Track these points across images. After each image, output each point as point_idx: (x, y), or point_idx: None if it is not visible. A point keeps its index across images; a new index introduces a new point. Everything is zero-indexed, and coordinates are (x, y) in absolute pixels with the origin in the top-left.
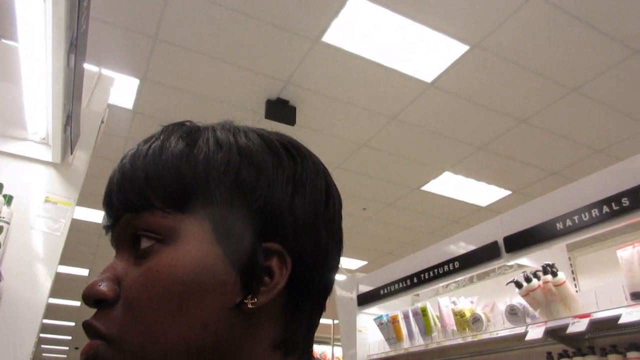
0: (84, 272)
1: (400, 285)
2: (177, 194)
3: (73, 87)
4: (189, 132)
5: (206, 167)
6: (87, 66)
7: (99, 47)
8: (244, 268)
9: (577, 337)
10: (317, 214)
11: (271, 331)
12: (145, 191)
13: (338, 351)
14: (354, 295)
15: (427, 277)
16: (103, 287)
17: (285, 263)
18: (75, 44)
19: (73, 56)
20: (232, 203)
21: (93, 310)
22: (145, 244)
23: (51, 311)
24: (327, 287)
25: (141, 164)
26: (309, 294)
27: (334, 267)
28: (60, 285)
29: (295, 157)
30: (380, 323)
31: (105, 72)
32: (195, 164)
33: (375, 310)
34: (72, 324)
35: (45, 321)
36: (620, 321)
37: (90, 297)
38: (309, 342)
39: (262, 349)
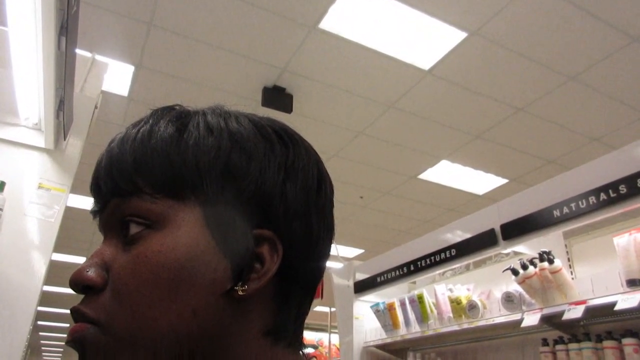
0: (81, 260)
1: (397, 272)
2: (166, 179)
3: (65, 71)
4: (179, 117)
5: (196, 153)
6: (81, 52)
7: (93, 33)
8: (234, 255)
9: (572, 323)
10: (309, 201)
11: (261, 318)
12: (134, 176)
13: (335, 338)
14: (351, 283)
15: (424, 264)
16: (91, 273)
17: (276, 250)
18: (66, 26)
19: (64, 39)
20: (222, 189)
21: None
22: (134, 229)
23: (49, 299)
24: (317, 274)
25: (129, 148)
26: (299, 281)
27: (325, 254)
28: (58, 273)
29: (288, 143)
30: (377, 310)
31: (99, 58)
32: (185, 149)
33: (372, 297)
34: None
35: (44, 309)
36: (616, 308)
37: (78, 283)
38: (299, 328)
39: (252, 336)
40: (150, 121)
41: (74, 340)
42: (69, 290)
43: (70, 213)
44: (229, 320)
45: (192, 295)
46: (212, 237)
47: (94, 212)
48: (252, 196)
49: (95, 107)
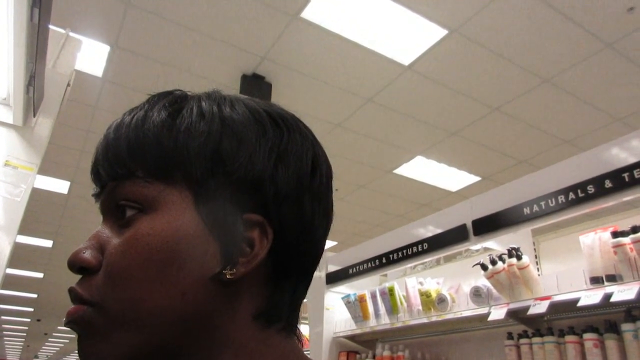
0: (47, 243)
1: (369, 265)
2: (157, 163)
3: (37, 44)
4: (174, 102)
5: (187, 137)
6: (55, 28)
7: (68, 9)
8: (223, 238)
9: (537, 318)
10: (302, 185)
11: (252, 302)
12: (127, 160)
13: (306, 329)
14: (323, 274)
15: (395, 257)
16: (87, 255)
17: (266, 234)
18: None
19: (37, 10)
20: (212, 173)
21: (55, 282)
22: (127, 212)
23: (13, 282)
24: (312, 258)
25: (124, 133)
26: (293, 265)
27: (321, 238)
28: (23, 256)
29: (282, 127)
30: (348, 302)
31: (74, 35)
32: (177, 134)
33: (344, 289)
34: (34, 295)
35: (7, 292)
36: (579, 304)
37: (75, 264)
38: (294, 314)
39: (241, 319)
40: (146, 107)
41: (71, 322)
42: (34, 274)
43: (39, 195)
44: (218, 303)
45: (181, 277)
46: (202, 221)
47: (95, 195)
48: (242, 180)
49: (68, 85)
